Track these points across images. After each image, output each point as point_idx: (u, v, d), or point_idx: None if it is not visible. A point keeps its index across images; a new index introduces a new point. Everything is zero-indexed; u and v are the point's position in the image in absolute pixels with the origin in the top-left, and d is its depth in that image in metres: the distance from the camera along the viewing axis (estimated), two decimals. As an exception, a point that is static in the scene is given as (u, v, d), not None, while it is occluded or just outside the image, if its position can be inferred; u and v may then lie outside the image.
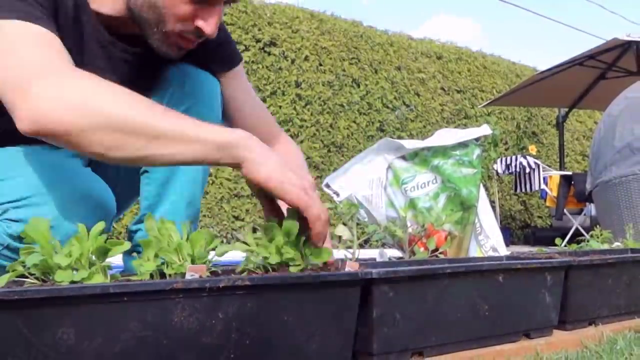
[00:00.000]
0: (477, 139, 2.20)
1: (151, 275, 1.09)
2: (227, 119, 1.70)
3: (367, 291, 1.21)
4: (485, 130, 2.30)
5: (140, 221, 1.57)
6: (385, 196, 1.97)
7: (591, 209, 6.79)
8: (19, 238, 1.19)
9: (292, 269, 1.18)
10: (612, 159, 3.97)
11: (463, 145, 2.11)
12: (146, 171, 1.60)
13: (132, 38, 1.44)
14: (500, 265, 1.47)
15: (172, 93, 1.57)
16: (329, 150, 6.61)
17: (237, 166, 1.12)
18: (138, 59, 1.49)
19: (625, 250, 2.19)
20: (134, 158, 1.11)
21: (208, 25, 1.31)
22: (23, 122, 1.07)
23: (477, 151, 2.26)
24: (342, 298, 1.18)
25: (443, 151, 2.06)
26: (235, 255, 1.29)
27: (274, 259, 1.16)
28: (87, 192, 1.31)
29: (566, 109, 8.88)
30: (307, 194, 1.12)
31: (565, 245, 2.41)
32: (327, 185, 1.85)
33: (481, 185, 2.20)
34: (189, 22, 1.32)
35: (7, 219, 1.25)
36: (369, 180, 2.06)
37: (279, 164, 1.12)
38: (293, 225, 1.19)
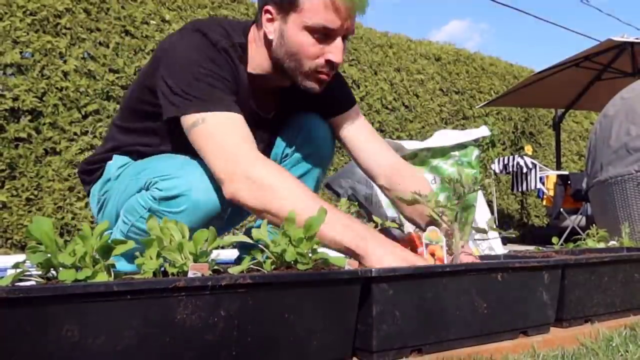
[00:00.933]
0: (475, 140, 2.20)
1: (154, 274, 1.09)
2: (353, 156, 2.00)
3: (367, 289, 1.21)
4: (483, 131, 2.30)
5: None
6: (385, 196, 1.96)
7: (587, 208, 6.79)
8: (160, 201, 1.59)
9: (300, 267, 1.18)
10: (608, 159, 3.96)
11: (462, 146, 2.11)
12: None
13: (270, 93, 1.83)
14: (499, 264, 1.47)
15: (301, 139, 1.95)
16: (329, 151, 6.62)
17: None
18: (271, 119, 1.89)
19: (620, 249, 2.19)
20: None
21: (335, 56, 1.63)
22: (226, 195, 1.50)
23: (476, 152, 2.26)
24: (343, 296, 1.18)
25: (442, 152, 2.06)
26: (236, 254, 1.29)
27: (290, 252, 1.17)
28: (209, 173, 1.58)
29: (563, 110, 8.88)
30: None
31: (562, 244, 2.40)
32: (328, 186, 1.85)
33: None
34: (321, 59, 1.63)
35: (155, 188, 1.61)
36: (369, 181, 2.06)
37: (384, 253, 1.38)
38: (314, 221, 1.20)
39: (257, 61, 1.73)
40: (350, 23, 1.63)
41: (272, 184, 1.45)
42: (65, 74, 5.00)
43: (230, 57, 1.65)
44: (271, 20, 1.65)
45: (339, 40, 1.62)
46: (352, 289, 1.19)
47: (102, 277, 1.00)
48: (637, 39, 6.82)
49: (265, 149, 1.93)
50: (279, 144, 1.97)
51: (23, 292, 0.85)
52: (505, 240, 5.46)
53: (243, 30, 1.73)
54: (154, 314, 0.95)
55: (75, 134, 5.03)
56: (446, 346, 1.35)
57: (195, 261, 1.10)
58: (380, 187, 1.94)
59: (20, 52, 4.79)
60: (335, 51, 1.62)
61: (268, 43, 1.69)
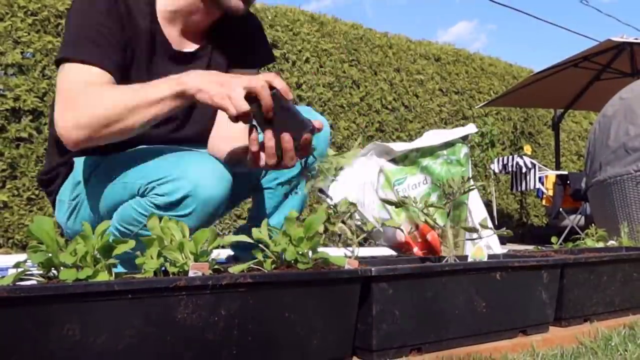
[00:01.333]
0: (463, 138, 2.20)
1: (155, 273, 1.09)
2: None
3: (366, 288, 1.21)
4: (470, 129, 2.30)
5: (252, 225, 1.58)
6: (377, 199, 1.96)
7: (587, 208, 6.78)
8: (164, 208, 1.48)
9: (300, 266, 1.18)
10: (607, 159, 3.96)
11: (450, 144, 2.10)
12: (270, 188, 1.89)
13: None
14: (498, 263, 1.47)
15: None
16: (329, 150, 6.62)
17: (192, 99, 1.37)
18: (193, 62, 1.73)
19: (619, 249, 2.19)
20: (139, 128, 1.42)
21: None
22: (68, 146, 1.46)
23: (464, 149, 2.26)
24: (343, 295, 1.18)
25: (431, 151, 2.06)
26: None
27: (290, 252, 1.17)
28: (212, 166, 1.52)
29: (562, 110, 8.87)
30: (227, 97, 1.32)
31: (561, 244, 2.40)
32: (321, 190, 1.85)
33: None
34: None
35: (155, 194, 1.50)
36: (361, 184, 2.05)
37: (205, 82, 1.35)
38: (314, 220, 1.20)
39: None
40: None
41: (90, 101, 1.41)
42: (66, 74, 4.99)
43: (128, 4, 1.58)
44: None
45: None
46: (352, 288, 1.19)
47: (103, 277, 1.00)
48: (636, 39, 6.82)
49: None
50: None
51: (24, 292, 0.85)
52: (504, 240, 5.46)
53: None
54: (155, 313, 0.95)
55: (76, 133, 5.04)
56: (445, 345, 1.35)
57: (195, 261, 1.10)
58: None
59: (22, 53, 4.79)
60: None
61: None
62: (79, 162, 1.72)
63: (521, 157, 7.26)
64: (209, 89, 1.34)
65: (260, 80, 1.31)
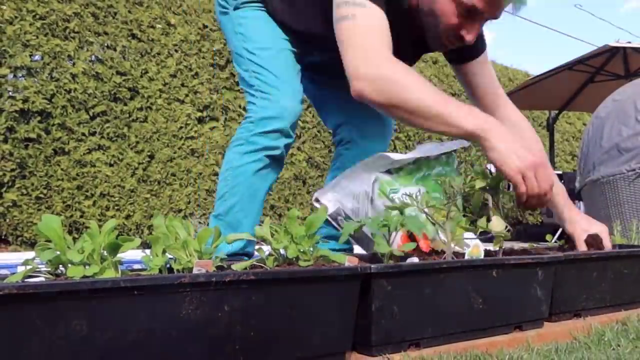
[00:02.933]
0: (455, 151, 2.21)
1: (160, 270, 1.09)
2: (476, 99, 2.00)
3: (366, 285, 1.21)
4: (462, 142, 2.32)
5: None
6: (372, 209, 1.95)
7: (580, 206, 6.78)
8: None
9: (301, 263, 1.18)
10: (600, 159, 3.96)
11: (444, 157, 2.10)
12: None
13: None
14: (495, 260, 1.47)
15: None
16: (330, 151, 6.60)
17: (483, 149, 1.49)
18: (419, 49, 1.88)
19: (613, 246, 2.19)
20: (417, 127, 1.58)
21: (469, 35, 1.64)
22: (353, 93, 1.54)
23: (456, 162, 2.28)
24: (343, 292, 1.18)
25: (427, 164, 2.06)
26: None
27: (291, 249, 1.17)
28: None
29: (556, 111, 8.88)
30: (521, 174, 1.46)
31: (555, 241, 2.40)
32: (317, 200, 1.84)
33: None
34: (456, 31, 1.64)
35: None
36: (356, 194, 2.05)
37: (507, 149, 1.46)
38: (315, 219, 1.20)
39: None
40: (498, 10, 1.63)
41: (398, 79, 1.50)
42: (74, 76, 5.00)
43: None
44: None
45: (479, 22, 1.64)
46: (352, 284, 1.19)
47: (110, 274, 1.00)
48: (629, 42, 6.83)
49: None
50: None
51: (33, 288, 0.85)
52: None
53: None
54: (160, 309, 0.95)
55: (83, 134, 5.04)
56: (443, 340, 1.35)
57: (200, 258, 1.10)
58: None
59: (30, 55, 4.80)
60: (470, 31, 1.64)
61: None
62: None
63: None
64: (506, 157, 1.46)
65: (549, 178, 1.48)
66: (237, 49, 1.86)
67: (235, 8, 1.85)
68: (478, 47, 1.95)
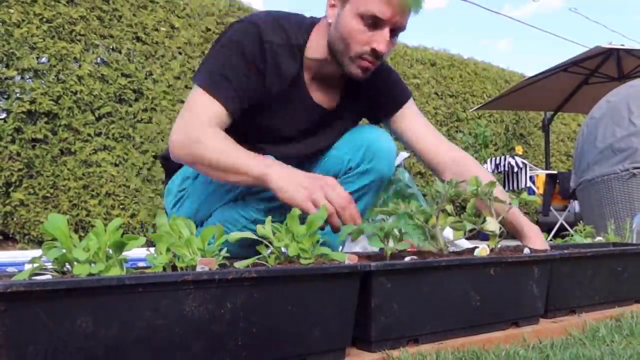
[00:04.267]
0: (399, 165, 2.21)
1: (164, 268, 1.09)
2: (413, 150, 1.98)
3: (366, 282, 1.21)
4: (403, 155, 2.32)
5: None
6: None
7: (575, 205, 6.78)
8: (266, 211, 1.73)
9: (302, 261, 1.18)
10: (595, 159, 3.96)
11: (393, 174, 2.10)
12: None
13: (328, 80, 1.83)
14: (492, 258, 1.47)
15: (363, 153, 1.89)
16: (330, 151, 6.62)
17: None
18: (326, 117, 1.88)
19: (607, 244, 2.19)
20: (218, 179, 1.63)
21: (379, 45, 1.63)
22: (169, 142, 1.63)
23: (406, 174, 2.27)
24: (343, 289, 1.18)
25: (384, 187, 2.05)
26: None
27: (292, 248, 1.17)
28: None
29: (552, 112, 8.87)
30: (311, 201, 1.44)
31: (551, 240, 2.39)
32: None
33: None
34: (367, 46, 1.64)
35: (257, 199, 1.77)
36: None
37: (290, 184, 1.47)
38: (316, 218, 1.20)
39: (315, 46, 1.75)
40: (401, 18, 1.64)
41: (201, 139, 1.57)
42: (80, 78, 5.00)
43: (272, 54, 1.69)
44: (333, 6, 1.69)
45: (386, 30, 1.63)
46: (352, 282, 1.19)
47: (115, 271, 1.00)
48: (622, 45, 6.82)
49: (328, 142, 1.94)
50: (343, 158, 1.92)
51: (40, 286, 0.85)
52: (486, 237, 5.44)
53: (310, 26, 1.77)
54: (164, 306, 0.95)
55: (89, 135, 5.04)
56: (441, 336, 1.35)
57: (203, 256, 1.10)
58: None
59: (37, 58, 4.80)
60: (380, 40, 1.63)
61: (327, 28, 1.72)
62: None
63: (513, 158, 7.26)
64: (292, 192, 1.46)
65: (338, 198, 1.45)
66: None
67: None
68: (397, 94, 1.96)
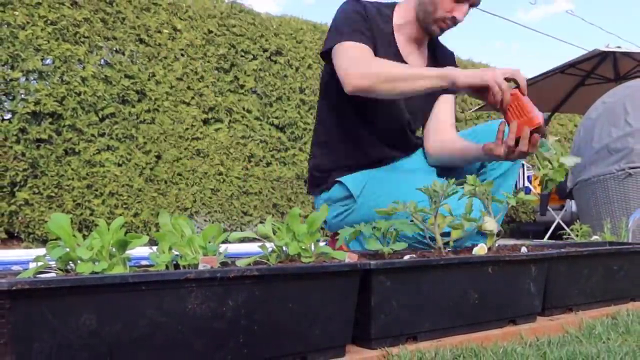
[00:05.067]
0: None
1: (167, 267, 1.09)
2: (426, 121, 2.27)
3: (366, 281, 1.21)
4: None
5: None
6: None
7: (572, 205, 6.78)
8: None
9: (303, 260, 1.18)
10: (591, 159, 3.96)
11: None
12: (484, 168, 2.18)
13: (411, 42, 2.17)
14: (490, 257, 1.47)
15: None
16: (330, 151, 6.63)
17: (452, 86, 1.75)
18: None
19: (603, 243, 2.19)
20: (403, 93, 1.82)
21: (460, 14, 2.02)
22: (349, 86, 1.83)
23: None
24: (343, 287, 1.18)
25: None
26: (248, 247, 1.29)
27: (293, 246, 1.17)
28: None
29: (549, 113, 8.86)
30: (491, 77, 1.70)
31: (548, 239, 2.39)
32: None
33: None
34: (449, 13, 2.01)
35: None
36: None
37: (471, 72, 1.74)
38: (316, 217, 1.20)
39: (402, 14, 2.12)
40: None
41: (373, 65, 1.84)
42: (84, 79, 5.00)
43: (372, 15, 2.05)
44: None
45: (466, 5, 2.01)
46: (352, 280, 1.19)
47: (119, 270, 1.00)
48: (618, 47, 6.82)
49: (422, 101, 2.17)
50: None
51: (44, 283, 0.85)
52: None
53: (392, 5, 2.17)
54: (167, 304, 0.95)
55: (92, 135, 5.04)
56: (440, 334, 1.35)
57: (205, 255, 1.10)
58: (428, 155, 2.23)
59: (42, 59, 4.80)
60: (461, 11, 2.01)
61: (413, 1, 2.09)
62: (346, 181, 2.09)
63: (510, 158, 7.24)
64: (471, 75, 1.73)
65: (512, 69, 1.74)
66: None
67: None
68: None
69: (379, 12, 2.10)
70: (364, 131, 2.13)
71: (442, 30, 2.08)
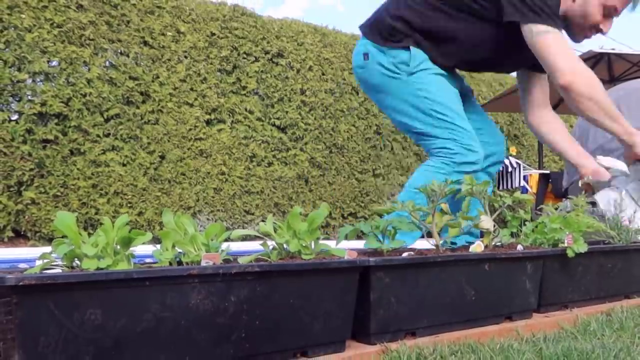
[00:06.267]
0: None
1: (170, 263, 1.09)
2: (527, 100, 2.47)
3: (365, 277, 1.21)
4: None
5: None
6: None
7: (568, 204, 6.77)
8: (459, 164, 2.06)
9: (304, 257, 1.18)
10: (586, 159, 3.94)
11: None
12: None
13: None
14: (486, 255, 1.47)
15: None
16: (330, 151, 6.60)
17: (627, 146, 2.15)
18: None
19: (598, 242, 2.18)
20: (593, 119, 2.09)
21: (606, 28, 2.13)
22: (562, 83, 2.00)
23: None
24: (343, 284, 1.18)
25: None
26: (250, 245, 1.29)
27: (293, 244, 1.17)
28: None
29: (545, 114, 8.85)
30: None
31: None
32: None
33: None
34: (597, 25, 2.12)
35: (456, 155, 2.08)
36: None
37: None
38: (316, 216, 1.20)
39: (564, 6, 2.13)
40: (624, 8, 2.13)
41: (594, 79, 2.03)
42: (89, 81, 5.00)
43: None
44: None
45: (612, 20, 2.12)
46: (352, 277, 1.19)
47: (123, 266, 1.00)
48: (613, 49, 6.81)
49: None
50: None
51: (50, 279, 0.85)
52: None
53: None
54: (170, 300, 0.96)
55: (98, 136, 5.04)
56: (438, 330, 1.35)
57: (207, 252, 1.10)
58: (529, 124, 2.51)
59: (48, 61, 4.80)
60: (608, 26, 2.13)
61: (570, 1, 2.11)
62: (414, 51, 2.11)
63: (507, 158, 7.26)
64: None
65: None
66: (421, 109, 2.10)
67: (410, 74, 2.10)
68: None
69: None
70: (457, 41, 2.13)
71: (585, 39, 2.18)
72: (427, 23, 2.10)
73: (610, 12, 2.09)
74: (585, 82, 1.99)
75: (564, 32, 2.07)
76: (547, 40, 1.98)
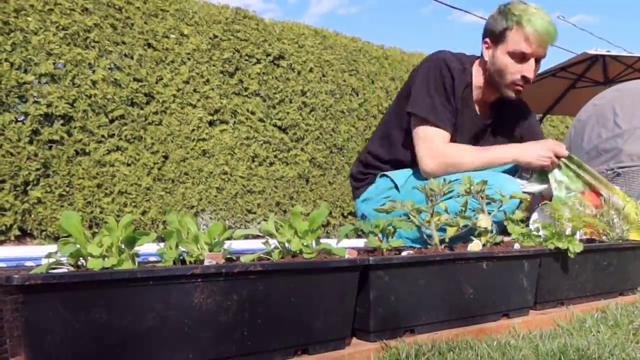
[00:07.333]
0: None
1: (174, 262, 1.09)
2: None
3: (365, 276, 1.21)
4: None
5: None
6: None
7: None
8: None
9: (305, 256, 1.18)
10: (582, 159, 3.94)
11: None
12: None
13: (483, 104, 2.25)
14: (484, 253, 1.47)
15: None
16: (331, 152, 6.59)
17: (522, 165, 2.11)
18: (485, 128, 2.28)
19: (592, 240, 2.18)
20: (485, 165, 2.05)
21: (528, 73, 2.06)
22: (424, 171, 2.05)
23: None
24: (343, 282, 1.18)
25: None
26: (252, 244, 1.29)
27: (294, 243, 1.17)
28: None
29: (541, 115, 8.85)
30: (544, 156, 2.07)
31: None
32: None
33: None
34: (518, 74, 2.07)
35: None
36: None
37: (531, 156, 2.07)
38: (317, 215, 1.20)
39: (477, 77, 2.17)
40: (542, 50, 2.06)
41: (450, 156, 2.01)
42: (94, 82, 5.00)
43: (457, 77, 2.08)
44: (487, 48, 2.13)
45: (532, 61, 2.05)
46: (352, 275, 1.19)
47: (127, 265, 1.00)
48: (608, 51, 6.81)
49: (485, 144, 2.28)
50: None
51: (56, 278, 0.85)
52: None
53: (471, 60, 2.19)
54: (174, 298, 0.95)
55: (102, 136, 5.03)
56: (436, 327, 1.35)
57: (210, 251, 1.10)
58: None
59: (54, 63, 4.80)
60: (528, 69, 2.06)
61: (484, 64, 2.15)
62: (392, 175, 2.20)
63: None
64: (534, 160, 2.06)
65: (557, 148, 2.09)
66: None
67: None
68: (532, 121, 2.44)
69: (462, 67, 2.12)
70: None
71: (519, 92, 2.13)
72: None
73: (523, 57, 2.05)
74: (434, 162, 2.02)
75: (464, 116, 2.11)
76: (419, 131, 2.06)
